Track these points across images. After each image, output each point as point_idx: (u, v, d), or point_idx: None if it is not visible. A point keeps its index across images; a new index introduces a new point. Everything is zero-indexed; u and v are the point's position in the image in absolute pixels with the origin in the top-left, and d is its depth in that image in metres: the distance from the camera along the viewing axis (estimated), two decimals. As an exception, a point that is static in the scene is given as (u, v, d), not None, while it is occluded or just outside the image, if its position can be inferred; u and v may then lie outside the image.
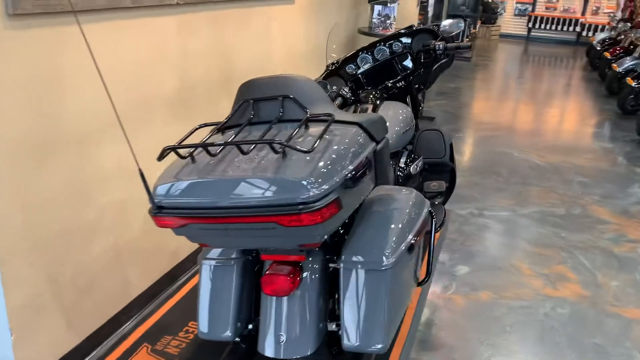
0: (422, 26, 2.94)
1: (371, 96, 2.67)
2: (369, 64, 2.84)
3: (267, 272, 1.64)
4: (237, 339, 1.83)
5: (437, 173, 2.94)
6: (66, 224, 1.96)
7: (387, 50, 2.84)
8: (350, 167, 1.45)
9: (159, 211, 1.41)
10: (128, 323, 2.34)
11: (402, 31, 2.89)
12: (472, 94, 7.51)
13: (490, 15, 14.35)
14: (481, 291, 2.77)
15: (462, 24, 2.73)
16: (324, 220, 1.35)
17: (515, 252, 3.20)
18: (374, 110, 2.56)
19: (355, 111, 2.63)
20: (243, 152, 1.42)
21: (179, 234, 1.53)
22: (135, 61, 2.22)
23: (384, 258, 1.62)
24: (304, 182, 1.32)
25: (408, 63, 2.84)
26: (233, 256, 1.82)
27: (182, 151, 1.46)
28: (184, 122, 2.57)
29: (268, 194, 1.34)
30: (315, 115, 1.58)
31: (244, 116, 1.68)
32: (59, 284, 1.94)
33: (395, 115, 2.56)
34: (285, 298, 1.68)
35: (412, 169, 2.60)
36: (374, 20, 4.83)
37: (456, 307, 2.62)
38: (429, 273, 2.10)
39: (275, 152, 1.38)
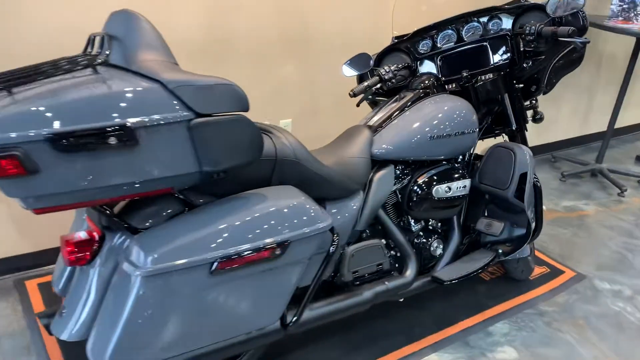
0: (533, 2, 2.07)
1: (425, 83, 2.04)
2: (451, 44, 2.15)
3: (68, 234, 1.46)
4: None
5: (499, 209, 2.11)
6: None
7: (481, 28, 2.10)
8: (75, 127, 1.13)
9: None
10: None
11: (505, 6, 2.09)
12: None
13: None
14: (494, 391, 1.90)
15: (581, 1, 1.81)
16: None
17: (622, 367, 2.07)
18: (413, 100, 1.96)
19: (392, 99, 2.07)
20: None
21: None
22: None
23: (147, 261, 1.26)
24: None
25: (505, 51, 2.06)
26: None
27: None
28: (197, 69, 2.42)
29: None
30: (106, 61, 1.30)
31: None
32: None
33: (437, 112, 1.94)
34: (78, 270, 1.48)
35: (437, 191, 1.91)
36: (612, 7, 3.60)
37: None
38: (297, 314, 1.56)
39: None
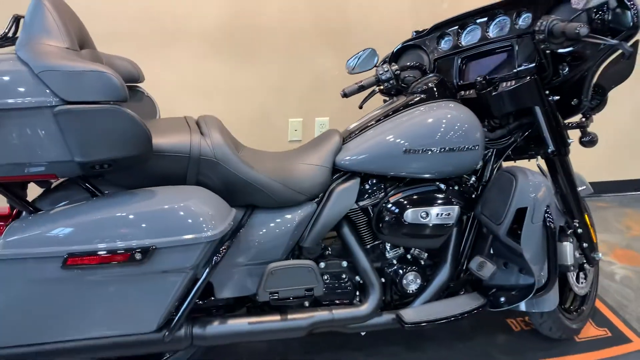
0: None
1: (428, 85, 1.76)
2: (475, 42, 1.82)
3: None
4: None
5: (503, 248, 1.74)
6: None
7: (509, 23, 1.74)
8: None
9: None
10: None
11: None
12: None
13: None
14: None
15: None
16: None
17: None
18: (404, 105, 1.71)
19: (386, 104, 1.84)
20: None
21: None
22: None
23: (2, 242, 1.28)
24: None
25: (532, 53, 1.68)
26: None
27: None
28: (226, 59, 2.42)
29: None
30: None
31: None
32: None
33: (421, 121, 1.67)
34: None
35: (410, 215, 1.64)
36: None
37: None
38: (173, 327, 1.44)
39: None
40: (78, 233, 1.28)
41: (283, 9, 2.45)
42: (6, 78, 1.19)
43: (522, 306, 1.84)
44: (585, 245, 1.93)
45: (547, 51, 1.59)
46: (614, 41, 1.42)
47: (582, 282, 2.02)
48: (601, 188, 3.40)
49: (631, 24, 1.49)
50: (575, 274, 1.99)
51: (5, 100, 1.18)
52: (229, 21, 2.41)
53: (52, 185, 1.53)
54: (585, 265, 2.04)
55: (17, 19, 1.39)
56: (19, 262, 1.27)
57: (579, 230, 1.89)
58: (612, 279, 2.50)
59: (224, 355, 1.90)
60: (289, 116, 2.61)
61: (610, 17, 1.51)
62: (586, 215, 1.92)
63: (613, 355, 2.00)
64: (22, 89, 1.19)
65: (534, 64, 1.65)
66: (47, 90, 1.20)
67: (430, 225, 1.66)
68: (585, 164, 3.31)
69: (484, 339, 2.04)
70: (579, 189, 2.01)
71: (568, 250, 1.84)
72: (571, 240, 1.85)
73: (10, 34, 1.39)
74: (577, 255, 1.92)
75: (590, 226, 1.94)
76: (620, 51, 1.55)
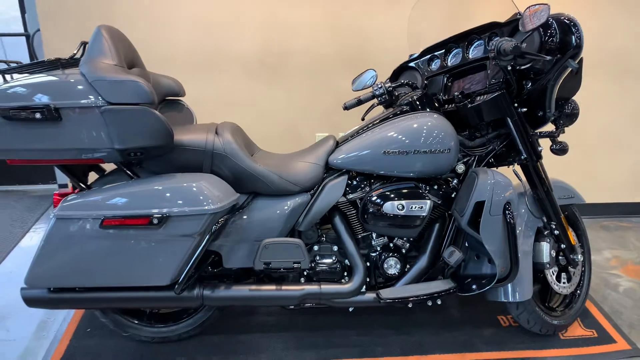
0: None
1: (413, 98, 2.06)
2: (457, 62, 2.11)
3: None
4: None
5: (473, 240, 1.98)
6: None
7: (483, 46, 2.02)
8: (12, 104, 1.61)
9: None
10: None
11: (504, 22, 1.95)
12: None
13: None
14: None
15: (545, 12, 1.61)
16: None
17: None
18: (389, 115, 2.01)
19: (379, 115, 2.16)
20: None
21: None
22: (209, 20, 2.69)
23: (59, 207, 1.71)
24: None
25: (500, 70, 1.94)
26: None
27: None
28: (260, 80, 2.85)
29: None
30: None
31: None
32: None
33: (398, 128, 1.97)
34: None
35: (388, 206, 1.93)
36: None
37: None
38: (183, 283, 1.79)
39: None
40: (113, 202, 1.70)
41: (309, 38, 2.85)
42: (75, 86, 1.63)
43: (501, 296, 2.04)
44: (563, 246, 2.10)
45: (509, 68, 1.84)
46: (548, 57, 1.66)
47: (563, 282, 2.17)
48: (628, 209, 3.44)
49: (574, 44, 1.72)
50: (554, 273, 2.15)
51: (73, 100, 1.61)
52: (262, 49, 2.85)
53: (105, 173, 1.98)
54: (570, 268, 2.20)
55: (83, 44, 1.86)
56: (71, 221, 1.70)
57: (556, 232, 2.07)
58: (615, 290, 2.58)
59: (236, 327, 2.23)
60: (316, 131, 2.98)
61: (558, 39, 1.74)
62: (563, 219, 2.09)
63: (593, 353, 2.13)
64: (81, 94, 1.63)
65: (500, 80, 1.90)
66: (98, 95, 1.63)
67: (405, 216, 1.92)
68: (614, 185, 3.38)
69: (471, 330, 2.23)
70: (568, 198, 2.19)
71: (544, 249, 2.04)
72: (548, 240, 2.04)
73: (77, 55, 1.86)
74: (554, 254, 2.09)
75: (567, 229, 2.11)
76: (570, 68, 1.77)
